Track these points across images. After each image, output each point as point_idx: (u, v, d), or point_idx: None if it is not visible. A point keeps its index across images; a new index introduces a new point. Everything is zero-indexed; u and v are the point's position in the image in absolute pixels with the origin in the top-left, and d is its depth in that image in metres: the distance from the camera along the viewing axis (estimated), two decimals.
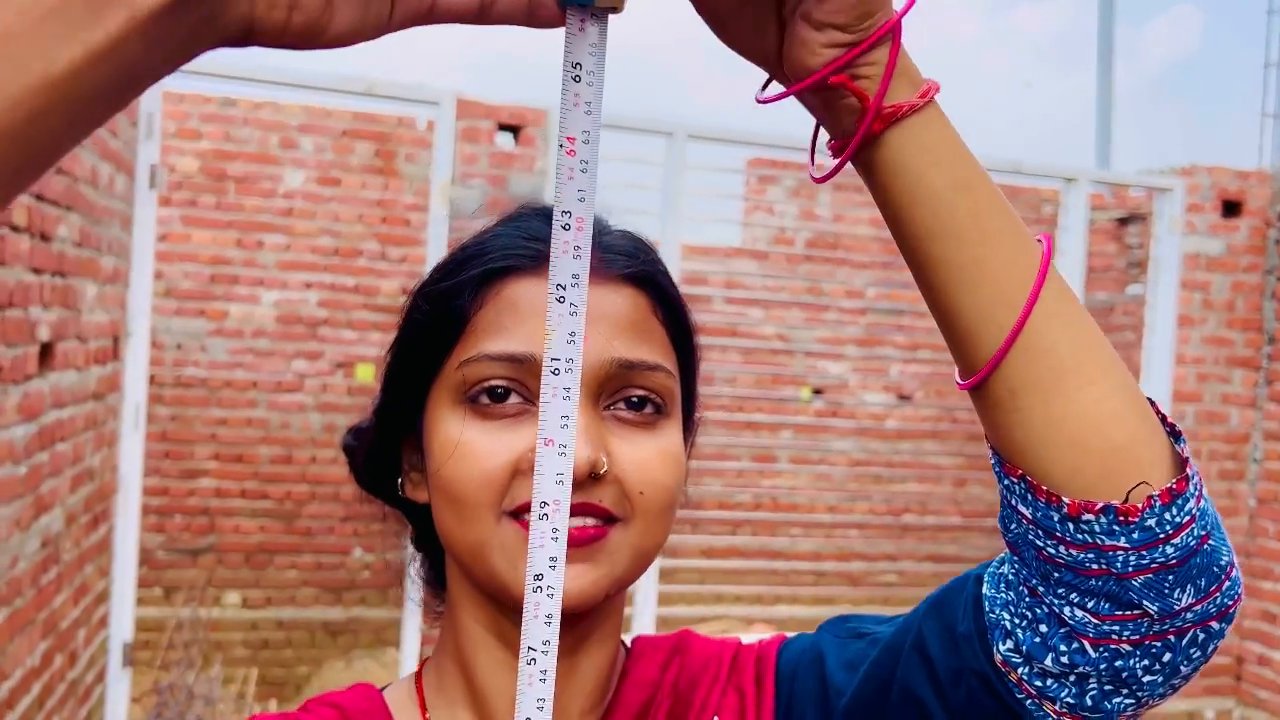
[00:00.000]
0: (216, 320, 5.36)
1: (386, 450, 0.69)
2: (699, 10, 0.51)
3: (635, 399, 0.62)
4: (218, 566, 5.37)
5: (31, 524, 2.66)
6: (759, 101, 0.55)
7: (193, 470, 5.35)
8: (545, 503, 0.50)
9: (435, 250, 3.46)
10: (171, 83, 3.91)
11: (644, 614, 3.72)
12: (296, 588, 5.43)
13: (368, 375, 5.47)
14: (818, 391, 6.01)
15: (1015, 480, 0.54)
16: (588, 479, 0.59)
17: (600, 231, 0.66)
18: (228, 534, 5.39)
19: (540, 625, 0.50)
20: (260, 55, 3.69)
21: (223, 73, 3.50)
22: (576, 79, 0.47)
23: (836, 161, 0.54)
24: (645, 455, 0.62)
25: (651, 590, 3.76)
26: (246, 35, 0.39)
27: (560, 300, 0.49)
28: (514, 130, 4.00)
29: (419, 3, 0.45)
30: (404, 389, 0.66)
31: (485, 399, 0.60)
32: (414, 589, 0.74)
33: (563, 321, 0.50)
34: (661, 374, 0.63)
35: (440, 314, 0.63)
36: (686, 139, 3.87)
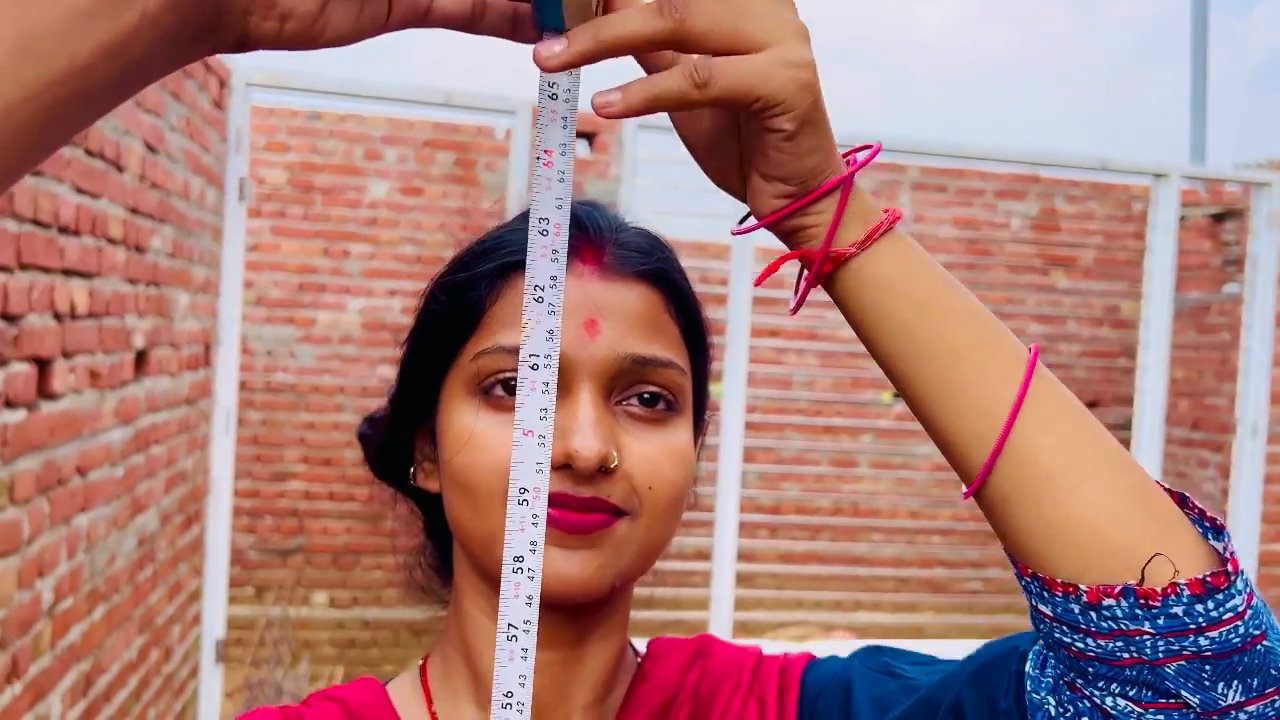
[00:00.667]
0: (304, 327, 5.52)
1: (401, 439, 0.70)
2: (686, 146, 0.56)
3: (647, 395, 0.63)
4: (306, 567, 5.52)
5: (128, 523, 2.78)
6: (733, 234, 0.60)
7: (282, 473, 5.51)
8: (525, 489, 0.52)
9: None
10: (260, 97, 4.04)
11: (720, 619, 3.70)
12: (382, 588, 5.55)
13: None
14: (898, 395, 5.93)
15: (1029, 579, 0.54)
16: (598, 473, 0.60)
17: (617, 229, 0.67)
18: (316, 535, 5.54)
19: (521, 605, 0.52)
20: (346, 69, 3.78)
21: (309, 87, 3.61)
22: (553, 96, 0.50)
23: (798, 298, 0.58)
24: (655, 451, 0.62)
25: (727, 595, 3.75)
26: (242, 43, 0.41)
27: (539, 300, 0.52)
28: (589, 137, 4.04)
29: (414, 6, 0.47)
30: (419, 379, 0.67)
31: (499, 390, 0.62)
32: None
33: (541, 320, 0.52)
34: (674, 371, 0.64)
35: (456, 306, 0.65)
36: None
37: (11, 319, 1.98)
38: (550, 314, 0.52)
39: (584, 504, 0.60)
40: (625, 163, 3.95)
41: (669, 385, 0.64)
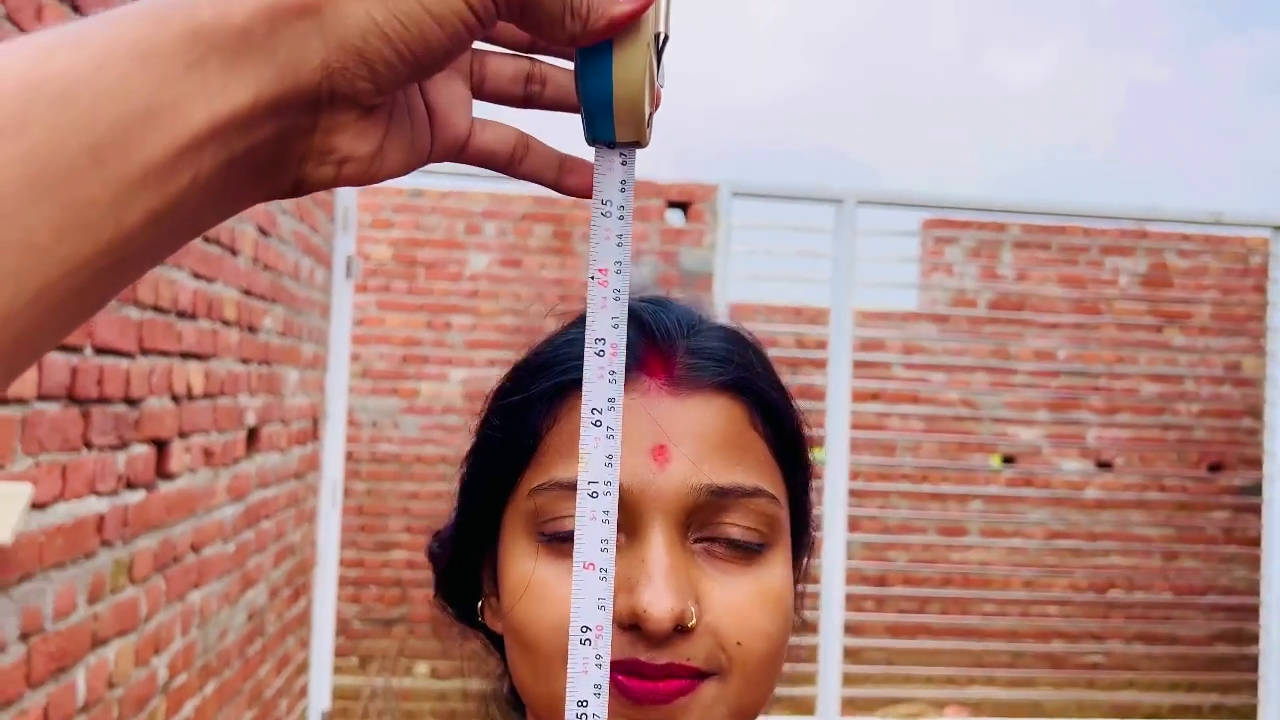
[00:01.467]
0: (408, 398, 5.63)
1: (466, 569, 0.64)
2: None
3: (734, 533, 0.54)
4: (409, 637, 5.56)
5: (239, 598, 2.84)
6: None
7: (386, 542, 5.59)
8: (587, 628, 0.48)
9: None
10: None
11: (828, 696, 3.59)
12: (483, 659, 5.55)
13: None
14: (1008, 459, 5.73)
15: None
16: (674, 632, 0.51)
17: (690, 331, 0.58)
18: (419, 605, 5.59)
19: None
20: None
21: None
22: (606, 214, 0.48)
23: None
24: (743, 599, 0.54)
25: (835, 671, 3.63)
26: (296, 189, 0.40)
27: (596, 424, 0.48)
28: (683, 206, 4.07)
29: (454, 140, 0.46)
30: (479, 508, 0.61)
31: (560, 532, 0.54)
32: None
33: (599, 445, 0.48)
34: (762, 499, 0.55)
35: (512, 432, 0.58)
36: (856, 205, 3.83)
37: (133, 402, 2.06)
38: (609, 438, 0.48)
39: (659, 671, 0.52)
40: (720, 230, 3.96)
41: (757, 517, 0.55)
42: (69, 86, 0.31)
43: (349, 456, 5.22)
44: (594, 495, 0.48)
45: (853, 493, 3.99)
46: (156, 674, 2.22)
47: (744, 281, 4.24)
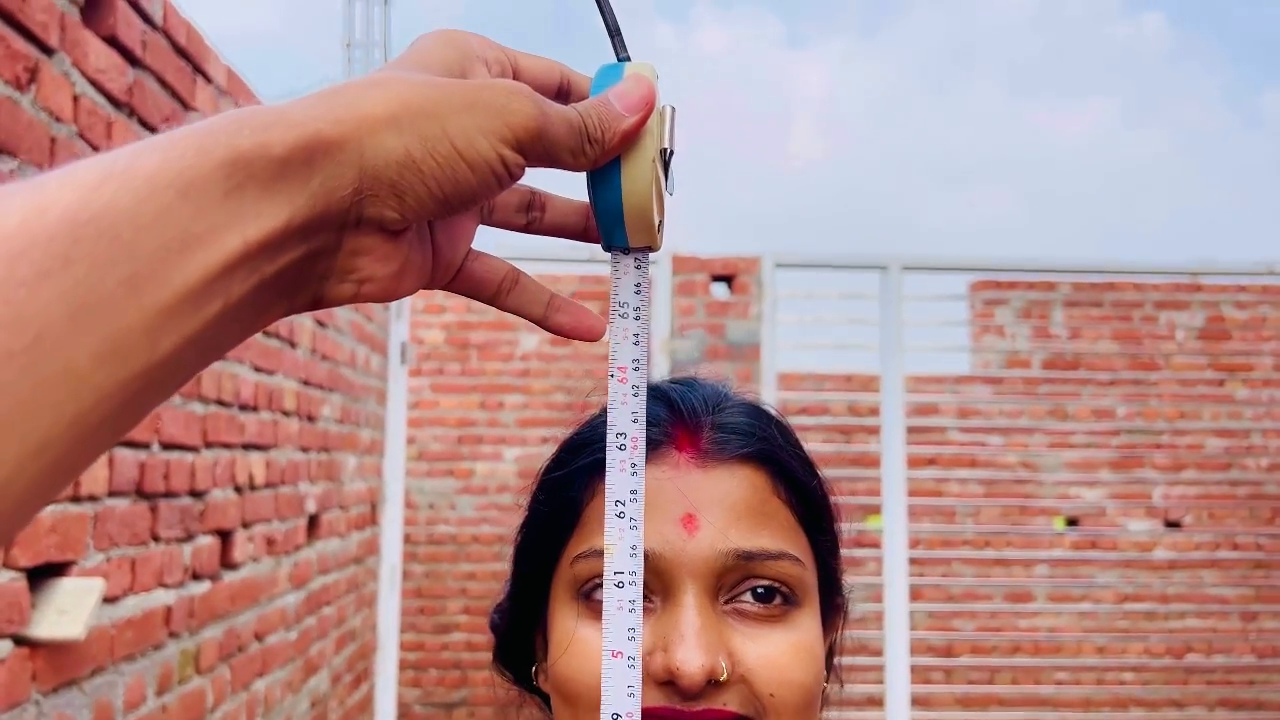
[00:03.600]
0: (464, 479, 5.68)
1: (521, 636, 0.68)
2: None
3: (760, 589, 0.58)
4: (470, 719, 5.53)
5: (302, 686, 2.86)
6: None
7: (445, 624, 5.59)
8: (618, 715, 0.50)
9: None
10: None
11: None
12: None
13: None
14: (1072, 522, 5.60)
15: None
16: (708, 686, 0.54)
17: (716, 408, 0.63)
18: (479, 687, 5.56)
19: None
20: (495, 231, 3.99)
21: None
22: (624, 315, 0.51)
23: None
24: (775, 651, 0.57)
25: None
26: (315, 304, 0.42)
27: (620, 516, 0.51)
28: (727, 279, 4.11)
29: (449, 268, 0.48)
30: (529, 577, 0.65)
31: (599, 595, 0.56)
32: None
33: (624, 536, 0.51)
34: (786, 561, 0.58)
35: (555, 505, 0.62)
36: (902, 270, 3.84)
37: (198, 495, 2.12)
38: (632, 529, 0.51)
39: (695, 716, 0.55)
40: (765, 301, 3.98)
41: (783, 578, 0.58)
42: (113, 223, 0.32)
43: (406, 539, 5.26)
44: (620, 585, 0.51)
45: (914, 561, 3.92)
46: None
47: (791, 351, 4.25)
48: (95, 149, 1.67)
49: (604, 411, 0.63)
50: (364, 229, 0.40)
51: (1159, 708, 5.40)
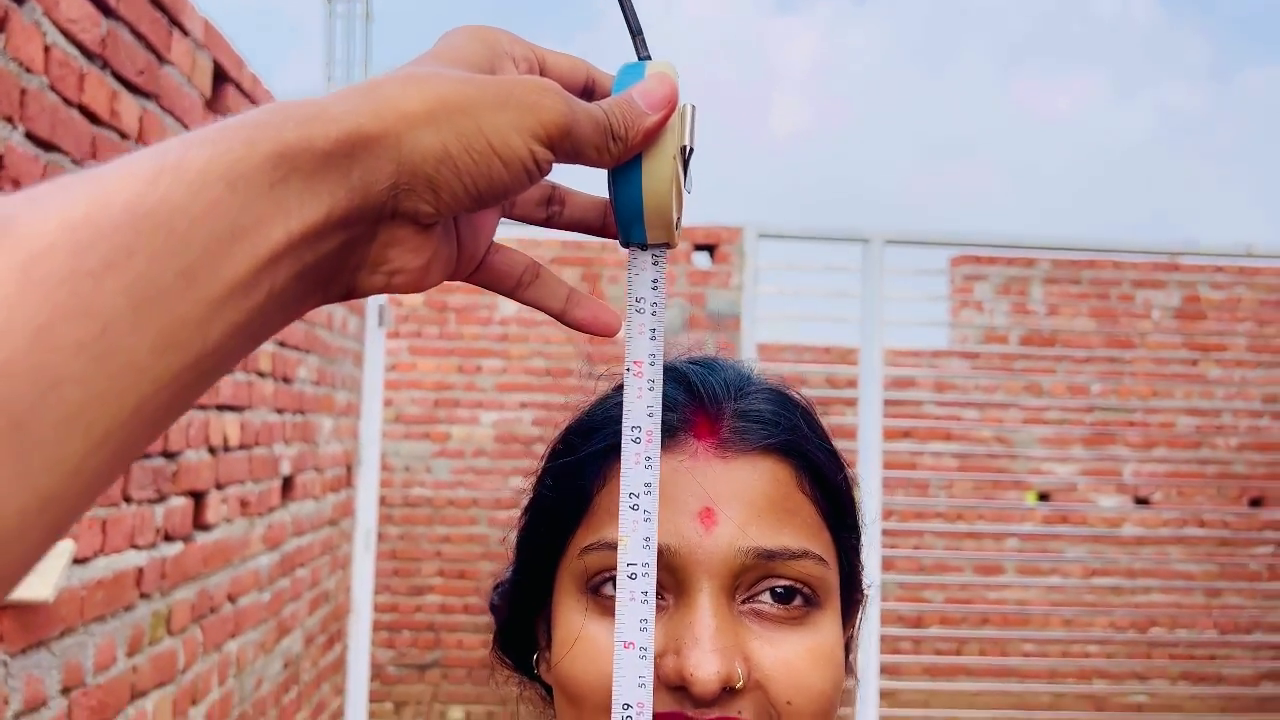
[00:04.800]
0: (440, 442, 5.67)
1: (522, 622, 0.65)
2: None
3: (780, 590, 0.55)
4: (443, 681, 5.55)
5: (275, 646, 2.86)
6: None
7: (419, 587, 5.60)
8: (629, 705, 0.50)
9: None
10: None
11: None
12: (518, 703, 5.53)
13: None
14: (1043, 496, 5.67)
15: None
16: (722, 693, 0.52)
17: (738, 394, 0.59)
18: (452, 649, 5.58)
19: None
20: None
21: None
22: (640, 310, 0.51)
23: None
24: (793, 656, 0.54)
25: (872, 713, 3.59)
26: (348, 295, 0.43)
27: (634, 508, 0.50)
28: (709, 249, 4.10)
29: (472, 261, 0.49)
30: (533, 565, 0.62)
31: (608, 589, 0.55)
32: None
33: (637, 528, 0.50)
34: (809, 561, 0.55)
35: (562, 493, 0.60)
36: (884, 244, 3.84)
37: (171, 455, 2.10)
38: (646, 521, 0.50)
39: None
40: (747, 272, 3.97)
41: (804, 578, 0.55)
42: (170, 215, 0.33)
43: (382, 501, 5.25)
44: (633, 576, 0.50)
45: (886, 532, 3.96)
46: None
47: (772, 322, 4.25)
48: (67, 101, 1.63)
49: (613, 394, 0.63)
50: (398, 221, 0.41)
51: (1122, 680, 5.50)
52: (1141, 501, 5.64)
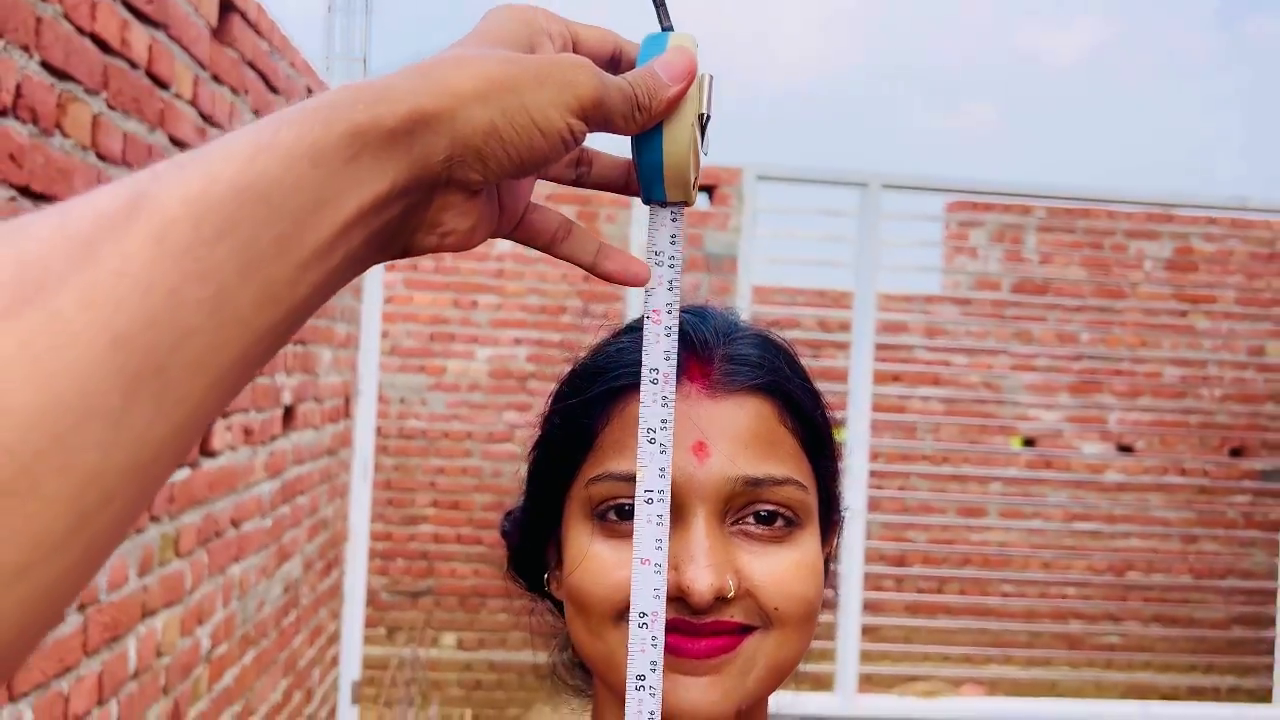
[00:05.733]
0: (435, 375, 5.72)
1: (533, 545, 0.72)
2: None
3: (764, 513, 0.62)
4: (435, 609, 5.68)
5: (275, 571, 2.93)
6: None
7: (413, 516, 5.70)
8: (644, 613, 0.57)
9: (634, 306, 3.59)
10: None
11: (846, 673, 3.66)
12: (508, 631, 5.67)
13: None
14: (1029, 442, 5.76)
15: None
16: (717, 601, 0.59)
17: (727, 339, 0.66)
18: (444, 578, 5.70)
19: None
20: None
21: None
22: (659, 263, 0.56)
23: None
24: (779, 568, 0.61)
25: (854, 648, 3.70)
26: (405, 253, 0.48)
27: (651, 442, 0.57)
28: (708, 190, 4.11)
29: (512, 220, 0.54)
30: (543, 494, 0.69)
31: (612, 515, 0.62)
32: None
33: (654, 459, 0.57)
34: (790, 487, 0.63)
35: (570, 430, 0.66)
36: (881, 188, 3.86)
37: None
38: (662, 453, 0.56)
39: (705, 628, 0.60)
40: (745, 214, 3.99)
41: (787, 502, 0.63)
42: (267, 189, 0.38)
43: (378, 432, 5.31)
44: (649, 501, 0.57)
45: (873, 474, 4.04)
46: (200, 644, 2.32)
47: (768, 265, 4.28)
48: (80, 30, 1.64)
49: (613, 339, 0.70)
50: (451, 188, 0.45)
51: (1097, 620, 5.65)
52: (1124, 449, 5.74)
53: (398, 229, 0.45)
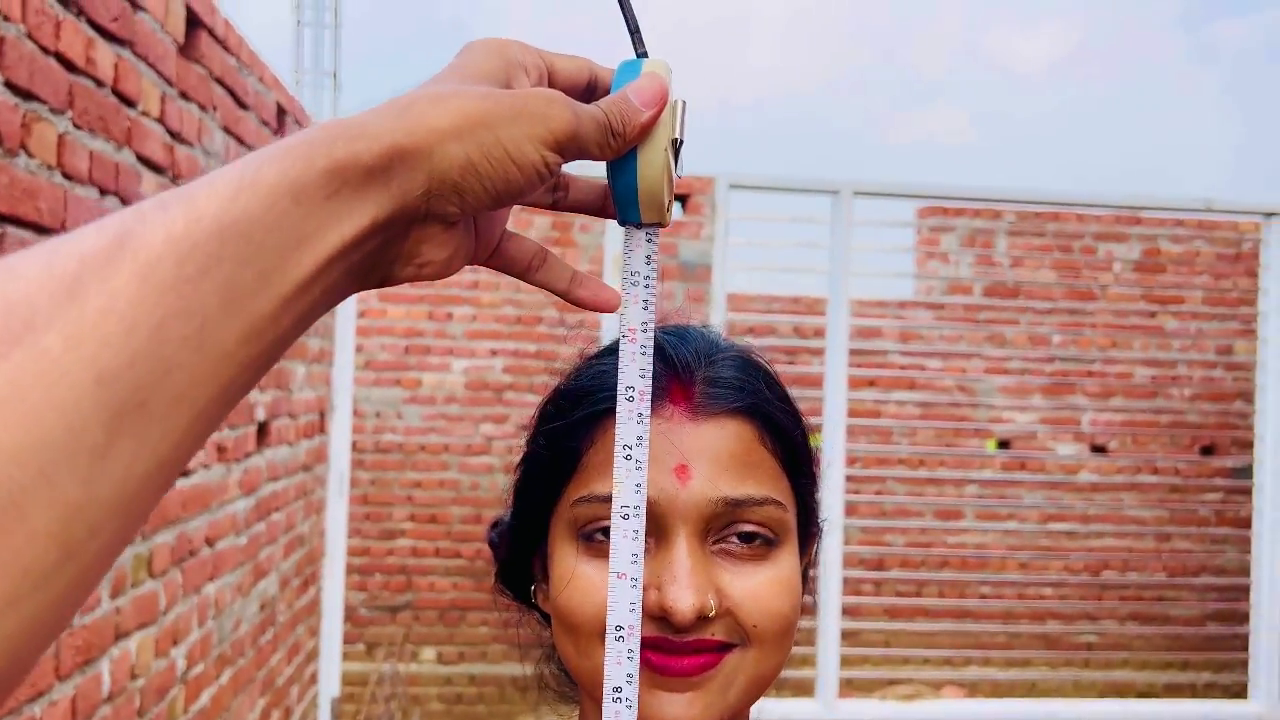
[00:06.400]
0: (411, 389, 5.70)
1: (520, 559, 0.73)
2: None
3: (745, 532, 0.63)
4: (414, 623, 5.65)
5: (251, 589, 2.91)
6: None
7: (391, 531, 5.67)
8: (620, 627, 0.58)
9: (609, 318, 3.59)
10: None
11: (827, 678, 3.67)
12: (487, 644, 5.64)
13: None
14: (1003, 444, 5.81)
15: None
16: (698, 620, 0.60)
17: (708, 360, 0.67)
18: (423, 591, 5.67)
19: None
20: None
21: None
22: (634, 284, 0.57)
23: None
24: (757, 587, 0.63)
25: (834, 653, 3.71)
26: (383, 283, 0.49)
27: (628, 458, 0.58)
28: (681, 199, 4.12)
29: (488, 249, 0.55)
30: (529, 513, 0.70)
31: (599, 536, 0.63)
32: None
33: (630, 475, 0.58)
34: (770, 506, 0.64)
35: (555, 452, 0.67)
36: (853, 195, 3.88)
37: None
38: (637, 469, 0.58)
39: (687, 647, 0.61)
40: (718, 223, 4.01)
41: (767, 521, 0.64)
42: (248, 228, 0.39)
43: (354, 447, 5.28)
44: (625, 517, 0.58)
45: (850, 478, 4.06)
46: (175, 664, 2.30)
47: (742, 272, 4.30)
48: (44, 49, 1.63)
49: (597, 360, 0.71)
50: (429, 221, 0.47)
51: (1074, 621, 5.69)
52: (1098, 449, 5.79)
53: (376, 261, 0.46)
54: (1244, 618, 4.45)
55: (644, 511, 0.58)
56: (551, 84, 0.53)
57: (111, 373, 0.35)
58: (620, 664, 0.57)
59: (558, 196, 0.59)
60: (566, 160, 0.49)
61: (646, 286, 0.57)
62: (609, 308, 0.57)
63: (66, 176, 1.72)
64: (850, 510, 4.69)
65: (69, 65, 1.71)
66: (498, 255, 0.56)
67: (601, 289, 0.58)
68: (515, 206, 0.57)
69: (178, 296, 0.37)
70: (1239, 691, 4.69)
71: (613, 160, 0.53)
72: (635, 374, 0.58)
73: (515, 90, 0.49)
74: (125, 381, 0.35)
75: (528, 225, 5.60)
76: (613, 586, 0.57)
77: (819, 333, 4.45)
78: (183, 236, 0.37)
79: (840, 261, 3.84)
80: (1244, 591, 4.52)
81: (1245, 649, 4.20)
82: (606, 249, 4.05)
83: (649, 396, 0.58)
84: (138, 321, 0.36)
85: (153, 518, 2.14)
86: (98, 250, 0.36)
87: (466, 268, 0.54)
